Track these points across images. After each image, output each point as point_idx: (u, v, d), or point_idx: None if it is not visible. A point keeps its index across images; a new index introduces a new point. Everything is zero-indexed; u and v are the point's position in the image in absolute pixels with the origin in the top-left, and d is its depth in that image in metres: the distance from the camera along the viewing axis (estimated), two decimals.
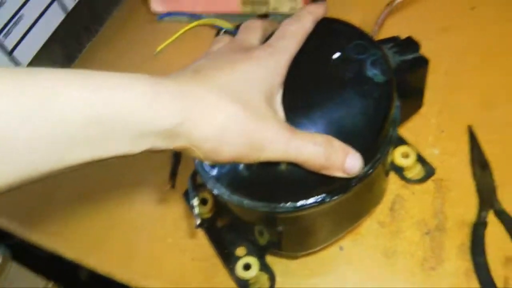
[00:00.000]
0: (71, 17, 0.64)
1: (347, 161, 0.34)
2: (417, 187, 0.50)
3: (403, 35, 0.47)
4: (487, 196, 0.47)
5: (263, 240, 0.46)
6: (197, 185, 0.43)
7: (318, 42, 0.40)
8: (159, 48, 0.63)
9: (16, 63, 0.57)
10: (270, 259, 0.48)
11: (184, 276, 0.49)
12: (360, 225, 0.48)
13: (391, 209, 0.49)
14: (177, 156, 0.49)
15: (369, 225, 0.48)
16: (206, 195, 0.50)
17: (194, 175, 0.44)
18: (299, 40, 0.37)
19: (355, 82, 0.37)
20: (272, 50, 0.35)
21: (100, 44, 0.69)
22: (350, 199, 0.40)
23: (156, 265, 0.50)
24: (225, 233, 0.47)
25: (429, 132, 0.53)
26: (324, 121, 0.36)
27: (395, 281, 0.45)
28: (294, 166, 0.34)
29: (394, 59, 0.46)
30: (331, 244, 0.47)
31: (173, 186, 0.48)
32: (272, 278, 0.47)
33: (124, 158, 0.29)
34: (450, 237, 0.46)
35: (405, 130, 0.53)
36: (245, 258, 0.47)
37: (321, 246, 0.47)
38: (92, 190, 0.57)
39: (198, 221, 0.42)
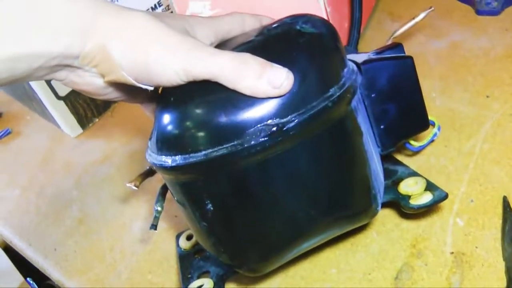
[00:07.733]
0: None
1: (267, 71, 0.33)
2: (432, 258, 0.41)
3: None
4: None
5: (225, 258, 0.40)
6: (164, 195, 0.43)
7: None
8: None
9: None
10: None
11: None
12: None
13: (396, 278, 0.40)
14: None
15: None
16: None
17: (164, 186, 0.43)
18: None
19: (284, 35, 0.37)
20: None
21: None
22: (311, 160, 0.36)
23: None
24: (195, 261, 0.46)
25: (455, 200, 0.45)
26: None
27: None
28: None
29: (372, 57, 0.43)
30: None
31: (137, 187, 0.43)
32: None
33: None
34: None
35: None
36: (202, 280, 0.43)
37: (287, 259, 0.40)
38: None
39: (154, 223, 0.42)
